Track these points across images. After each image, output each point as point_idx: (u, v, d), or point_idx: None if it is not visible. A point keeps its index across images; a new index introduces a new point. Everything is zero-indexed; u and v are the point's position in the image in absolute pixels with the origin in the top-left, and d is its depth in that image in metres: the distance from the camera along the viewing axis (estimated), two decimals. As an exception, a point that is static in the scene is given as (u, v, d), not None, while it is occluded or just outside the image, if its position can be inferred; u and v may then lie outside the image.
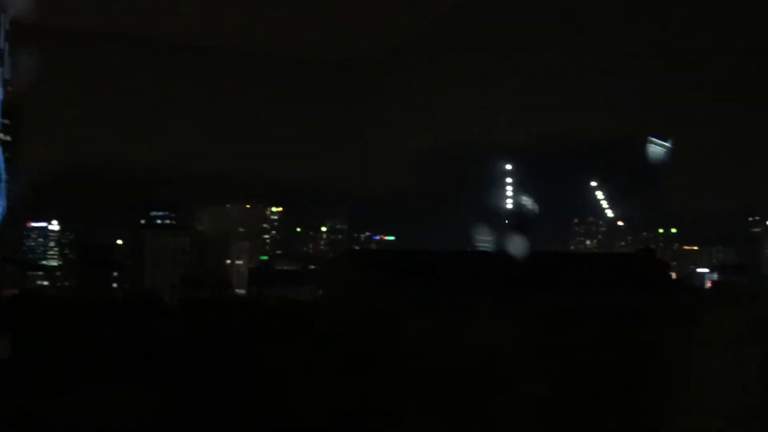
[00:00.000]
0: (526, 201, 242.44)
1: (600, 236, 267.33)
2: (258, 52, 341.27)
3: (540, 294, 40.71)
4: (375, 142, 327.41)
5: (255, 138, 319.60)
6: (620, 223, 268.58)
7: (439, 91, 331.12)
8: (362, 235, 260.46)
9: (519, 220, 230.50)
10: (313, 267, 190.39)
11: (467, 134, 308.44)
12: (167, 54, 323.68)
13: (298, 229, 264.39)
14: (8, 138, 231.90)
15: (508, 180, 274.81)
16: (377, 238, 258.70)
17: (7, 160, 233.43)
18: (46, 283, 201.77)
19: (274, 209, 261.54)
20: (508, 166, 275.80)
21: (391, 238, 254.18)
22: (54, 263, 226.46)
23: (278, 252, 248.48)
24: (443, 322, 34.25)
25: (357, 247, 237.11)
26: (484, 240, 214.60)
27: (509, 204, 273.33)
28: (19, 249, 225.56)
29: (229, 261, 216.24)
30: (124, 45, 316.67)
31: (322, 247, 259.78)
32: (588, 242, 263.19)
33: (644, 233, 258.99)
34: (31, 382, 32.31)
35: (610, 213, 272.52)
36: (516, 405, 30.88)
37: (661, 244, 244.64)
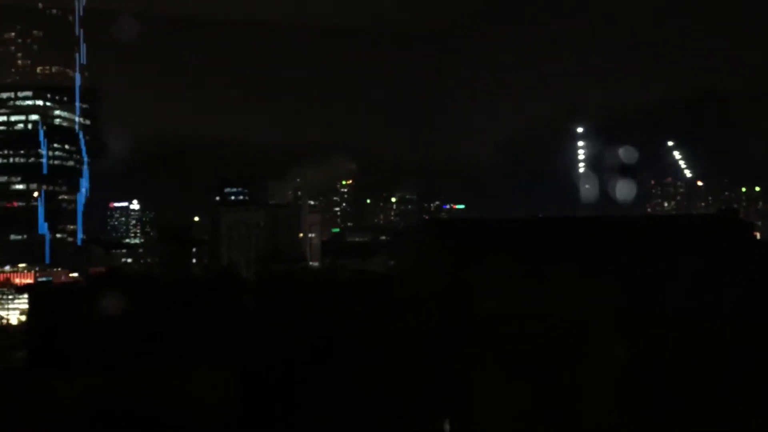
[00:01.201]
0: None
1: (678, 197, 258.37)
2: (329, 27, 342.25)
3: (618, 259, 39.74)
4: (442, 112, 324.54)
5: (323, 112, 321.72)
6: (700, 183, 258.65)
7: (508, 58, 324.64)
8: (432, 205, 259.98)
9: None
10: (383, 238, 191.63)
11: (537, 99, 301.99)
12: (235, 32, 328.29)
13: (368, 201, 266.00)
14: (87, 122, 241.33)
15: (581, 143, 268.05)
16: (447, 207, 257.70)
17: (87, 143, 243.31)
18: (129, 260, 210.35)
19: (344, 182, 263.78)
20: (580, 129, 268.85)
21: (462, 206, 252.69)
22: (136, 241, 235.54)
23: (349, 224, 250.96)
24: (521, 290, 33.95)
25: (427, 217, 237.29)
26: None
27: (582, 167, 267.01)
28: (103, 229, 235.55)
29: (301, 234, 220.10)
30: (195, 25, 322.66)
31: (392, 217, 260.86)
32: (666, 204, 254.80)
33: (726, 193, 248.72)
34: (121, 358, 33.75)
35: (688, 173, 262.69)
36: (599, 375, 30.46)
37: (744, 204, 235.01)
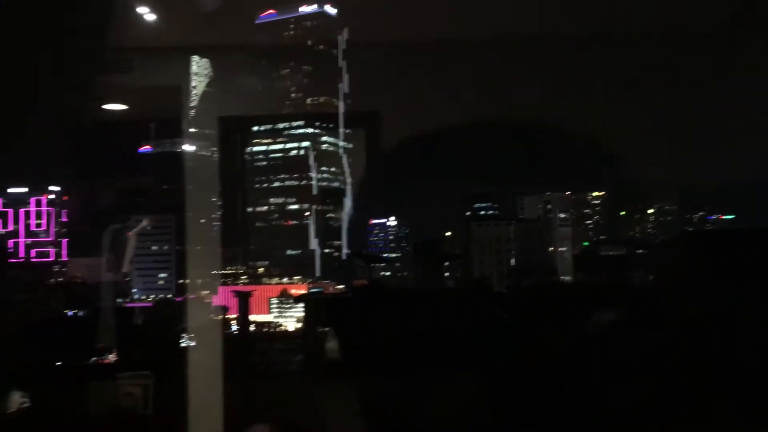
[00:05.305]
0: None
1: None
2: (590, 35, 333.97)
3: None
4: (703, 116, 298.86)
5: (579, 124, 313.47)
6: None
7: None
8: (695, 216, 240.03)
9: None
10: (640, 251, 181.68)
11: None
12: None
13: (623, 213, 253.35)
14: (350, 146, 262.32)
15: None
16: (713, 218, 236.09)
17: (350, 165, 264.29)
18: (387, 273, 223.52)
19: (595, 194, 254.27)
20: None
21: (730, 216, 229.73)
22: (393, 256, 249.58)
23: (602, 237, 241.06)
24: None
25: (690, 229, 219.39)
26: None
27: None
28: (364, 244, 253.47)
29: (552, 248, 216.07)
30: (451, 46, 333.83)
31: (649, 230, 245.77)
32: None
33: None
34: (382, 364, 36.53)
35: None
36: None
37: None
